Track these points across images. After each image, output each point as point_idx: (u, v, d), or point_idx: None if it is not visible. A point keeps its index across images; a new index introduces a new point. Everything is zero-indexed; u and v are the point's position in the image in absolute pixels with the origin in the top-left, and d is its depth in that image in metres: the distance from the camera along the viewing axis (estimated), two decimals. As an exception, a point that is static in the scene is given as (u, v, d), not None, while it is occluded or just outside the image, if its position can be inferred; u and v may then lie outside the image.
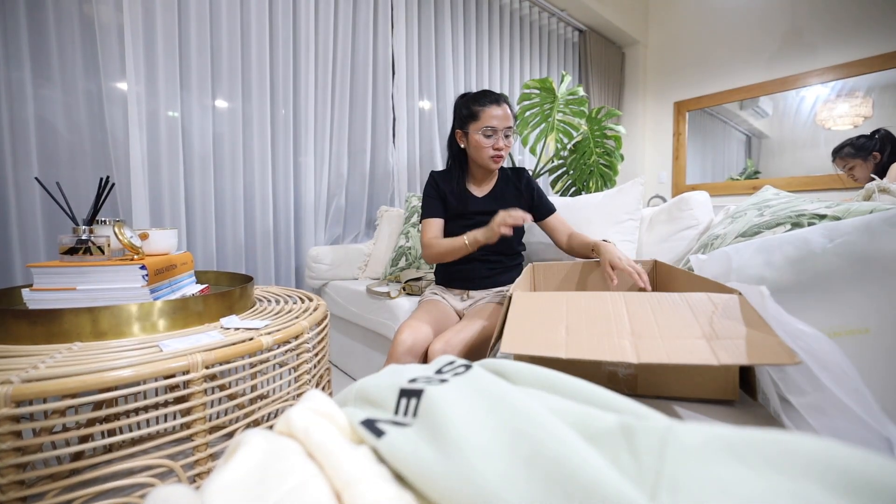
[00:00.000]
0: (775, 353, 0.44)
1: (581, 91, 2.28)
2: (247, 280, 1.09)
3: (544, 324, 0.55)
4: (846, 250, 0.58)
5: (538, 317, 0.57)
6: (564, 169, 2.48)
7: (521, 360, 0.63)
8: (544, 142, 2.28)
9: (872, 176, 1.08)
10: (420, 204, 1.85)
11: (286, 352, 0.83)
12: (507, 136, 1.22)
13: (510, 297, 0.63)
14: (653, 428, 0.25)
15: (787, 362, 0.42)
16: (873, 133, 1.97)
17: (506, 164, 1.41)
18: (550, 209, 1.32)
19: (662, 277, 0.99)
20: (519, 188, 1.32)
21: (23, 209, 1.38)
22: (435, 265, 1.72)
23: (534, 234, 1.60)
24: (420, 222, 1.32)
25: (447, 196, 1.30)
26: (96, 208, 0.90)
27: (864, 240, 0.58)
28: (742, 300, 0.55)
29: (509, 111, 1.23)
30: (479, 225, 1.24)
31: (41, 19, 1.39)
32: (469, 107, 1.23)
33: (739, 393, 0.57)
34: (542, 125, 2.29)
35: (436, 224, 1.28)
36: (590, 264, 1.08)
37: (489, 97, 1.22)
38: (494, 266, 1.29)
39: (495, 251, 1.28)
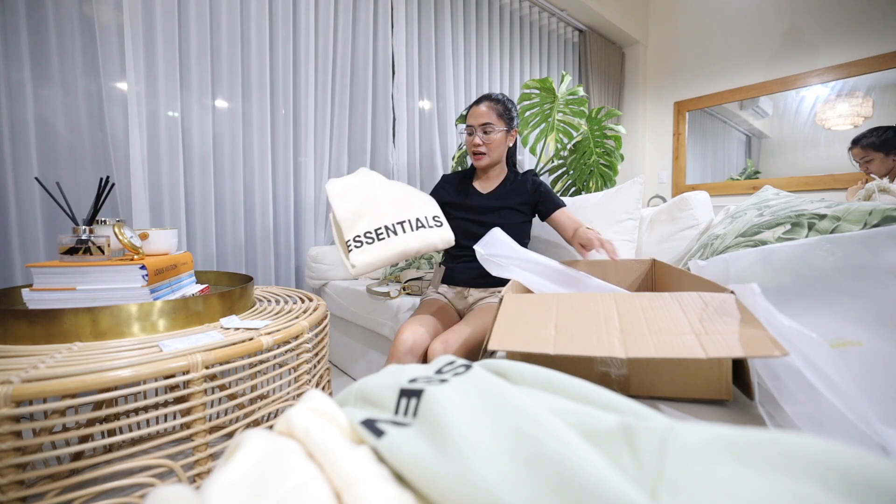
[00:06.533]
0: (764, 346, 0.43)
1: (581, 91, 2.27)
2: (247, 280, 1.09)
3: (533, 322, 0.55)
4: (847, 264, 0.58)
5: (528, 316, 0.57)
6: (564, 169, 2.47)
7: (513, 358, 0.63)
8: (544, 142, 2.27)
9: (873, 176, 1.08)
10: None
11: (286, 352, 0.83)
12: (485, 133, 1.26)
13: (501, 299, 0.63)
14: (653, 428, 0.25)
15: (776, 354, 0.42)
16: None
17: (507, 164, 1.42)
18: (557, 205, 1.30)
19: (661, 277, 0.99)
20: (525, 188, 1.33)
21: (23, 209, 1.38)
22: (437, 264, 1.73)
23: (542, 236, 1.58)
24: None
25: (449, 193, 1.37)
26: (96, 208, 0.90)
27: (865, 254, 0.57)
28: (735, 299, 0.55)
29: (492, 108, 1.26)
30: (479, 219, 1.29)
31: (41, 19, 1.39)
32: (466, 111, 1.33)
33: (734, 393, 0.56)
34: (542, 125, 2.28)
35: None
36: (585, 265, 1.08)
37: (477, 99, 1.30)
38: None
39: None
